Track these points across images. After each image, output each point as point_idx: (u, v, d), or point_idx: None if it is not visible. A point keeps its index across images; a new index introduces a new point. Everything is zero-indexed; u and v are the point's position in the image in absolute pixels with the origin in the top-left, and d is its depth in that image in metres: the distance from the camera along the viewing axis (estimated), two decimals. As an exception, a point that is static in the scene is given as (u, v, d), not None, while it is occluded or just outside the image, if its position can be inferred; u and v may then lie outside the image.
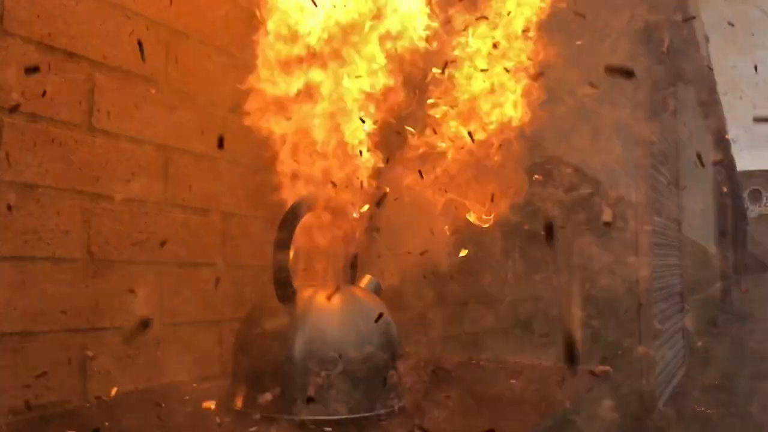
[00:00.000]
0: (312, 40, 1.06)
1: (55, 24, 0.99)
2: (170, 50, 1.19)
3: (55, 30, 0.99)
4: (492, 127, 1.13)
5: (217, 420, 0.90)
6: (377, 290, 1.09)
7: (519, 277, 2.97)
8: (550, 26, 1.18)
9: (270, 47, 1.08)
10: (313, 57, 1.08)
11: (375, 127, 1.11)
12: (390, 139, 1.16)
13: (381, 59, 1.08)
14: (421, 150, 1.13)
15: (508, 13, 1.12)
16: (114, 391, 1.05)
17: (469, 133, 1.12)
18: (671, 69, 7.53)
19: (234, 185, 1.26)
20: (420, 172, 1.10)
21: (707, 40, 9.03)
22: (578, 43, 1.32)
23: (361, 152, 1.09)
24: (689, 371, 7.79)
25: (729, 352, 9.24)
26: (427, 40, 1.11)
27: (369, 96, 1.09)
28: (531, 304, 3.12)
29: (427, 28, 1.10)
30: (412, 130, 1.14)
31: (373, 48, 1.07)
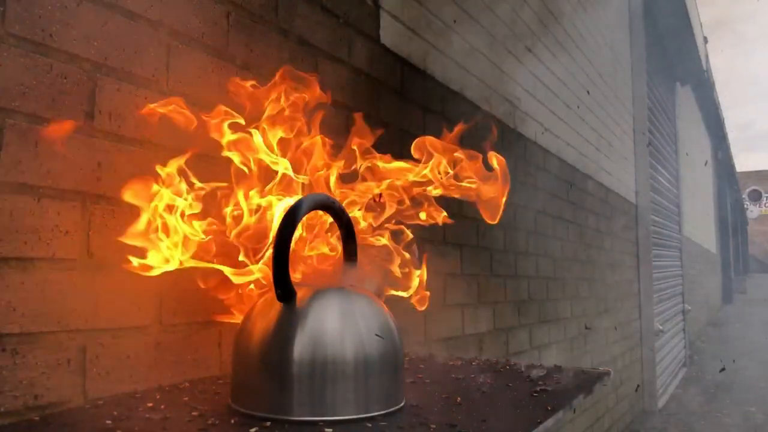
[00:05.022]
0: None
1: (56, 25, 0.99)
2: (171, 51, 1.19)
3: (56, 31, 0.99)
4: None
5: (217, 421, 0.90)
6: (378, 290, 1.09)
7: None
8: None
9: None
10: None
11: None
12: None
13: None
14: None
15: None
16: (113, 391, 1.05)
17: None
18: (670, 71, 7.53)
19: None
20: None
21: (706, 41, 9.04)
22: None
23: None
24: (690, 371, 7.78)
25: (729, 352, 9.23)
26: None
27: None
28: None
29: None
30: None
31: None
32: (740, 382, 6.98)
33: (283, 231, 0.93)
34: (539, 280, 3.16)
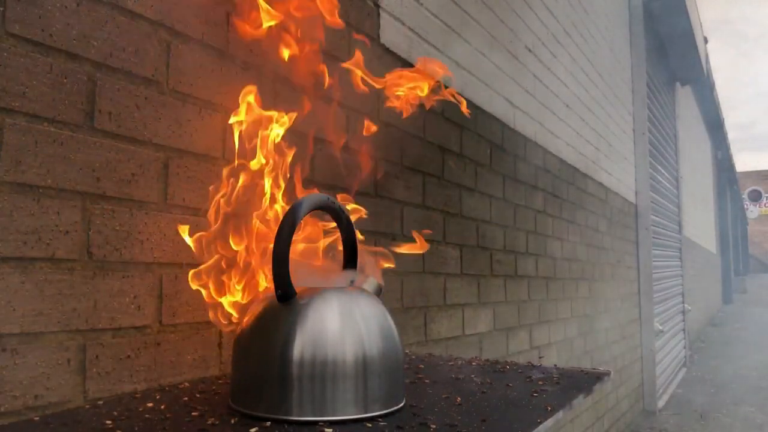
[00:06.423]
0: None
1: (56, 25, 0.99)
2: (171, 51, 1.19)
3: (56, 31, 0.99)
4: None
5: (217, 421, 0.90)
6: (377, 291, 1.09)
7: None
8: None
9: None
10: None
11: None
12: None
13: None
14: None
15: None
16: (114, 391, 1.05)
17: None
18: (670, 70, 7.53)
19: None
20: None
21: (706, 41, 9.04)
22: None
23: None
24: (690, 371, 7.78)
25: (729, 352, 9.23)
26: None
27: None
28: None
29: None
30: None
31: None
32: (740, 382, 6.98)
33: (283, 231, 0.94)
34: (539, 280, 3.15)
